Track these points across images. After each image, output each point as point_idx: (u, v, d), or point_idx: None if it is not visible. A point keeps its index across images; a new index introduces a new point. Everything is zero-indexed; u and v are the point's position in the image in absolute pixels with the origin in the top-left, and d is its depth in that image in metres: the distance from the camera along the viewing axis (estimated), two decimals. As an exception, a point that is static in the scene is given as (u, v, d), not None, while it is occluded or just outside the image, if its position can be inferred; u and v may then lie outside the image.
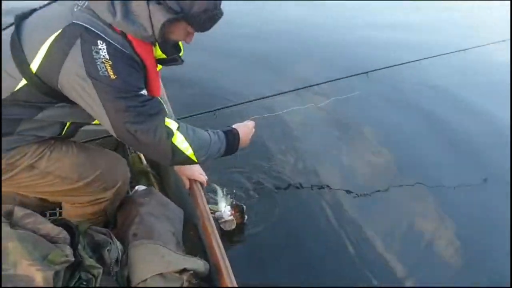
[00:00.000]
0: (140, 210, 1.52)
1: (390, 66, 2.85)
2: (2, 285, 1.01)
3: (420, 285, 2.18)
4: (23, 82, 1.17)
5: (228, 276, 1.36)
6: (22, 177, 1.32)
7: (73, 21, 1.13)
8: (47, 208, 1.75)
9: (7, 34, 1.21)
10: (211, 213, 1.67)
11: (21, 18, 1.22)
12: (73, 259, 1.15)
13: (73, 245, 1.20)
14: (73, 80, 1.13)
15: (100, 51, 1.11)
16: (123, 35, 1.17)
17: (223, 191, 2.21)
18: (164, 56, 1.36)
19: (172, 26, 1.20)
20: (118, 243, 1.36)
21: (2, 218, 1.12)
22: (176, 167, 1.76)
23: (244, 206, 2.24)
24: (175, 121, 1.31)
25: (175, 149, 1.28)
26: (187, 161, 1.35)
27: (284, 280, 2.04)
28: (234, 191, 2.41)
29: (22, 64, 1.15)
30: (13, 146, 1.25)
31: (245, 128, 1.61)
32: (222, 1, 1.24)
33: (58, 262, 1.10)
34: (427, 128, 3.67)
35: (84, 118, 1.32)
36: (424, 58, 3.06)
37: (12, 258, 1.04)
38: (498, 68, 5.16)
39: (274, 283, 2.03)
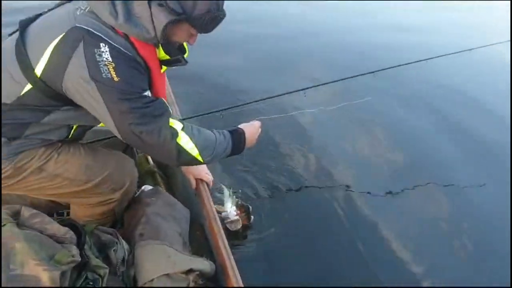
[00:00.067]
0: (147, 210, 1.53)
1: (401, 65, 2.82)
2: (10, 285, 1.02)
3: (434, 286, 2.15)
4: (29, 86, 1.18)
5: (234, 276, 1.36)
6: (31, 180, 1.33)
7: (76, 25, 1.14)
8: (57, 209, 1.76)
9: (12, 39, 1.22)
10: (218, 213, 1.67)
11: (26, 23, 1.24)
12: (79, 259, 1.16)
13: (80, 245, 1.21)
14: (77, 83, 1.14)
15: (103, 53, 1.11)
16: (126, 37, 1.18)
17: (229, 191, 2.20)
18: (167, 57, 1.36)
19: (175, 27, 1.20)
20: (124, 243, 1.37)
21: (10, 218, 1.14)
22: (183, 167, 1.76)
23: (250, 207, 2.23)
24: (180, 121, 1.31)
25: (180, 150, 1.28)
26: (193, 161, 1.34)
27: (291, 281, 2.02)
28: (240, 191, 2.40)
29: (27, 68, 1.17)
30: (21, 150, 1.27)
31: (251, 128, 1.60)
32: (224, 1, 1.24)
33: (65, 262, 1.11)
34: (438, 127, 3.63)
35: (90, 121, 1.33)
36: (436, 57, 3.02)
37: (19, 258, 1.05)
38: (504, 68, 5.07)
39: (280, 284, 2.02)
